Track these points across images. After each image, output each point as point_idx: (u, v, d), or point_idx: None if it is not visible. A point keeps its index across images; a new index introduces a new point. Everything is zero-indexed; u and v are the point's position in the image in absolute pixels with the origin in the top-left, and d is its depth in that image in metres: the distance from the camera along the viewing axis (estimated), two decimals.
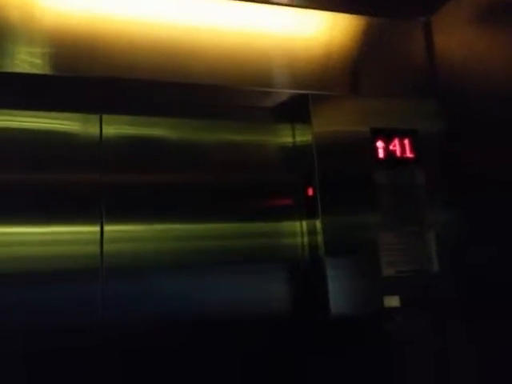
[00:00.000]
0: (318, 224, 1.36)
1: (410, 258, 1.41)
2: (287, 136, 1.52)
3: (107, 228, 1.29)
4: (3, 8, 1.29)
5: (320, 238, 1.35)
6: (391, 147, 1.46)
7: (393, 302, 1.38)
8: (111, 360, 1.24)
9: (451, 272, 1.43)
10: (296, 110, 1.49)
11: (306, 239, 1.43)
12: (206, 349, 1.32)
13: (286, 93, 1.49)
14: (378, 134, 1.46)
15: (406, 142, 1.47)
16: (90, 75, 1.29)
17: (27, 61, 1.28)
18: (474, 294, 1.40)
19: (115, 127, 1.35)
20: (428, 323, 1.41)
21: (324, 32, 1.57)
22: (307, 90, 1.48)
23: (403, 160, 1.46)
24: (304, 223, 1.44)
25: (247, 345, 1.36)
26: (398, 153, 1.46)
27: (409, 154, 1.47)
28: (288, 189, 1.46)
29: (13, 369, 1.19)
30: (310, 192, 1.40)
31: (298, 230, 1.44)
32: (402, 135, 1.48)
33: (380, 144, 1.46)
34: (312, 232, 1.40)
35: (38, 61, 1.29)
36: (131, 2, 1.39)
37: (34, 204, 1.25)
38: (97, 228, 1.28)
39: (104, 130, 1.33)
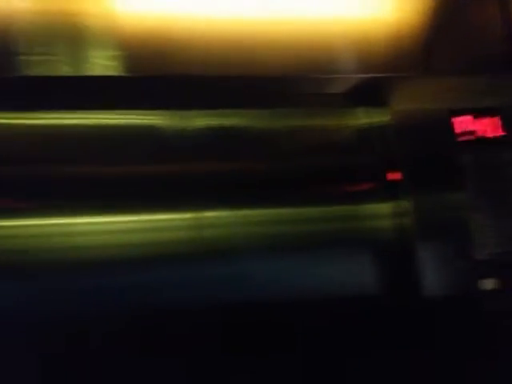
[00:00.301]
0: (407, 205, 1.35)
1: (504, 239, 1.37)
2: (364, 119, 1.49)
3: (202, 215, 1.33)
4: (78, 15, 1.31)
5: (409, 220, 1.35)
6: (474, 127, 1.42)
7: (488, 284, 1.35)
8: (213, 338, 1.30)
9: None
10: (371, 93, 1.46)
11: (395, 221, 1.40)
12: (294, 332, 1.34)
13: (360, 77, 1.46)
14: (458, 113, 1.42)
15: (490, 120, 1.43)
16: (166, 74, 1.32)
17: (104, 64, 1.31)
18: None
19: (198, 120, 1.38)
20: None
21: (393, 12, 1.53)
22: (381, 73, 1.45)
23: (489, 139, 1.42)
24: (392, 205, 1.42)
25: (339, 328, 1.37)
26: (483, 132, 1.42)
27: (494, 133, 1.42)
28: (371, 171, 1.44)
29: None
30: (395, 174, 1.38)
31: (386, 212, 1.42)
32: (484, 113, 1.43)
33: (462, 124, 1.41)
34: (401, 214, 1.38)
35: (114, 63, 1.33)
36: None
37: (135, 193, 1.31)
38: (193, 215, 1.32)
39: (190, 124, 1.37)
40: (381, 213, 1.42)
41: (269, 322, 1.34)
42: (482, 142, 1.42)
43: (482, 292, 1.35)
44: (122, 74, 1.33)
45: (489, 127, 1.43)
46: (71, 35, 1.30)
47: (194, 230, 1.32)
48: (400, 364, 1.37)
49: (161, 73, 1.34)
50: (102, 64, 1.32)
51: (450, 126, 1.42)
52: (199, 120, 1.38)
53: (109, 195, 1.30)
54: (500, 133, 1.43)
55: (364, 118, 1.49)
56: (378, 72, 1.47)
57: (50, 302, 1.24)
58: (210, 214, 1.33)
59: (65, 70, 1.29)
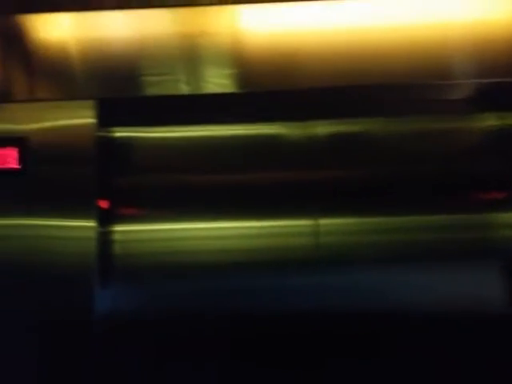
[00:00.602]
0: None
1: None
2: (495, 124, 1.45)
3: (322, 221, 1.38)
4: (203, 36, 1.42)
5: None
6: None
7: None
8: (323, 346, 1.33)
9: None
10: (503, 98, 1.42)
11: None
12: (419, 345, 1.32)
13: (488, 82, 1.41)
14: None
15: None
16: (295, 88, 1.37)
17: (218, 82, 1.40)
18: None
19: (324, 128, 1.44)
20: None
21: None
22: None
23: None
24: None
25: (466, 344, 1.33)
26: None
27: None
28: (503, 178, 1.40)
29: None
30: None
31: None
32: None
33: None
34: None
35: (233, 80, 1.40)
36: (313, 14, 1.43)
37: (261, 200, 1.40)
38: (312, 221, 1.37)
39: (312, 133, 1.43)
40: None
41: (392, 333, 1.33)
42: None
43: None
44: (246, 90, 1.41)
45: None
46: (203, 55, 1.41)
47: (311, 236, 1.36)
48: None
49: (281, 87, 1.39)
50: (220, 82, 1.40)
51: None
52: (321, 129, 1.43)
53: (237, 202, 1.40)
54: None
55: (494, 122, 1.43)
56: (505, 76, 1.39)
57: (194, 300, 1.35)
58: (327, 222, 1.37)
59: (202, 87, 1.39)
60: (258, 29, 1.44)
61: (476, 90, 1.43)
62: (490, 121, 1.44)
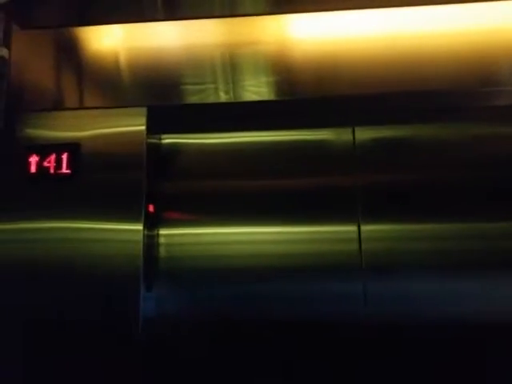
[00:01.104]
0: None
1: None
2: None
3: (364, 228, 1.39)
4: (250, 45, 1.45)
5: None
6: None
7: None
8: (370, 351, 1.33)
9: None
10: None
11: None
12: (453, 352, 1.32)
13: None
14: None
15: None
16: (337, 94, 1.39)
17: (260, 91, 1.42)
18: None
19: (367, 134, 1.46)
20: None
21: None
22: None
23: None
24: None
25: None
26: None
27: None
28: None
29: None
30: None
31: None
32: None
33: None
34: None
35: (279, 88, 1.42)
36: (362, 22, 1.45)
37: (300, 206, 1.42)
38: (354, 228, 1.39)
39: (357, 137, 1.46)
40: None
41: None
42: None
43: None
44: (286, 98, 1.43)
45: None
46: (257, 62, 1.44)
47: (353, 242, 1.37)
48: None
49: (331, 93, 1.41)
50: (263, 90, 1.43)
51: None
52: (362, 134, 1.45)
53: (279, 207, 1.42)
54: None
55: None
56: None
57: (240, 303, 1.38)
58: (369, 228, 1.38)
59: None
60: (299, 37, 1.46)
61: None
62: None
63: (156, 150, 1.47)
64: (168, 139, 1.50)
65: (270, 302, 1.37)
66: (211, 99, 1.41)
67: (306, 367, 1.35)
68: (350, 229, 1.39)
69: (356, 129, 1.44)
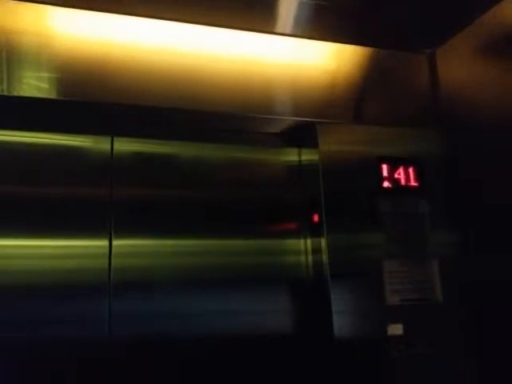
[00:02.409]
0: (323, 244, 1.38)
1: (415, 286, 1.41)
2: (294, 160, 1.56)
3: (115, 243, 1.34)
4: (16, 34, 1.32)
5: (325, 258, 1.37)
6: (396, 175, 1.48)
7: (396, 330, 1.37)
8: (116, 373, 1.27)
9: (456, 302, 1.42)
10: (303, 136, 1.53)
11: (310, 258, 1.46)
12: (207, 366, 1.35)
13: (293, 120, 1.52)
14: (383, 161, 1.48)
15: (411, 170, 1.49)
16: (102, 100, 1.32)
17: (36, 85, 1.30)
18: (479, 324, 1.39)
19: (125, 146, 1.41)
20: (431, 354, 1.39)
21: (331, 62, 1.61)
22: (314, 118, 1.52)
23: (407, 188, 1.48)
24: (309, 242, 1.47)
25: (239, 365, 1.38)
26: (403, 181, 1.48)
27: (413, 183, 1.49)
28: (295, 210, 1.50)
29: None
30: (316, 216, 1.42)
31: (302, 249, 1.48)
32: (406, 163, 1.50)
33: (385, 172, 1.48)
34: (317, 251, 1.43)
35: (47, 85, 1.32)
36: (142, 30, 1.43)
37: (46, 218, 1.30)
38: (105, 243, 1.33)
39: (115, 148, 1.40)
40: (297, 249, 1.46)
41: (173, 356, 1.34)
42: (401, 190, 1.48)
43: (389, 337, 1.36)
44: (54, 97, 1.32)
45: (408, 176, 1.49)
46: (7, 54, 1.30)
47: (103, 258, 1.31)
48: None
49: (96, 99, 1.34)
50: (34, 85, 1.30)
51: (374, 173, 1.47)
52: (126, 146, 1.41)
53: (24, 217, 1.28)
54: (417, 183, 1.49)
55: (294, 158, 1.56)
56: (312, 117, 1.52)
57: None
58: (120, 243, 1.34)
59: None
60: (75, 34, 1.36)
61: (282, 126, 1.55)
62: (291, 156, 1.56)
63: None
64: None
65: None
66: None
67: None
68: (99, 244, 1.32)
69: (115, 139, 1.39)
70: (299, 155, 1.56)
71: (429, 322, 1.41)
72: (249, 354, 1.39)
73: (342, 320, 1.34)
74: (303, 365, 1.40)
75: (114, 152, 1.39)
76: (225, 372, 1.36)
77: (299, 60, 1.57)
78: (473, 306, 1.43)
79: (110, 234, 1.33)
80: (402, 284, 1.40)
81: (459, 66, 1.56)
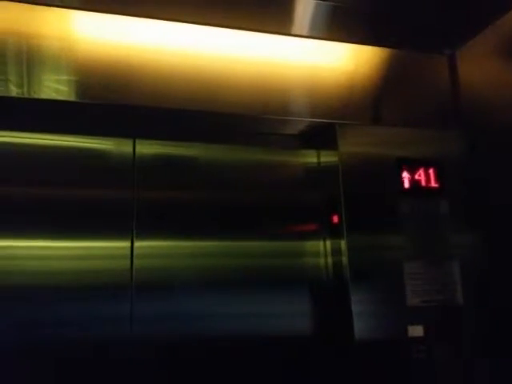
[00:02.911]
0: (343, 245, 1.39)
1: (435, 287, 1.40)
2: (313, 161, 1.57)
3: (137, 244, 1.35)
4: (41, 38, 1.34)
5: (345, 260, 1.37)
6: (416, 176, 1.47)
7: (417, 331, 1.36)
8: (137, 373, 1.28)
9: (475, 304, 1.41)
10: (322, 137, 1.53)
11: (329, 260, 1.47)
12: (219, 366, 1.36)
13: (312, 121, 1.52)
14: (403, 163, 1.48)
15: (431, 171, 1.49)
16: (123, 103, 1.34)
17: (57, 88, 1.31)
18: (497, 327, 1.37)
19: (147, 148, 1.42)
20: (451, 355, 1.39)
21: (348, 63, 1.61)
22: (332, 119, 1.51)
23: (428, 189, 1.47)
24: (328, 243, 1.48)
25: (268, 363, 1.39)
26: (423, 182, 1.47)
27: (433, 184, 1.48)
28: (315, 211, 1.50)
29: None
30: (335, 217, 1.42)
31: (321, 251, 1.49)
32: (427, 165, 1.49)
33: (405, 173, 1.47)
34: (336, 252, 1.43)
35: (68, 88, 1.33)
36: (162, 33, 1.45)
37: (69, 220, 1.32)
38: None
39: (137, 150, 1.41)
40: (316, 250, 1.47)
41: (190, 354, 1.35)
42: (422, 191, 1.47)
43: (409, 338, 1.36)
44: (77, 100, 1.33)
45: (429, 178, 1.49)
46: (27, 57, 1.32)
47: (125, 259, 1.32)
48: None
49: (118, 101, 1.34)
50: (54, 87, 1.32)
51: (394, 175, 1.47)
52: (148, 148, 1.42)
53: (50, 219, 1.30)
54: (437, 184, 1.49)
55: (314, 160, 1.56)
56: (331, 118, 1.52)
57: None
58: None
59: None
60: (98, 38, 1.37)
61: (300, 128, 1.54)
62: (310, 157, 1.56)
63: None
64: None
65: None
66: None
67: None
68: (121, 245, 1.33)
69: (137, 141, 1.40)
70: (318, 156, 1.56)
71: (449, 323, 1.40)
72: (270, 356, 1.39)
73: (362, 321, 1.34)
74: (324, 366, 1.41)
75: (136, 154, 1.40)
76: (244, 372, 1.37)
77: (317, 61, 1.57)
78: (493, 308, 1.41)
79: (132, 236, 1.34)
80: (423, 285, 1.40)
81: (480, 67, 1.55)
